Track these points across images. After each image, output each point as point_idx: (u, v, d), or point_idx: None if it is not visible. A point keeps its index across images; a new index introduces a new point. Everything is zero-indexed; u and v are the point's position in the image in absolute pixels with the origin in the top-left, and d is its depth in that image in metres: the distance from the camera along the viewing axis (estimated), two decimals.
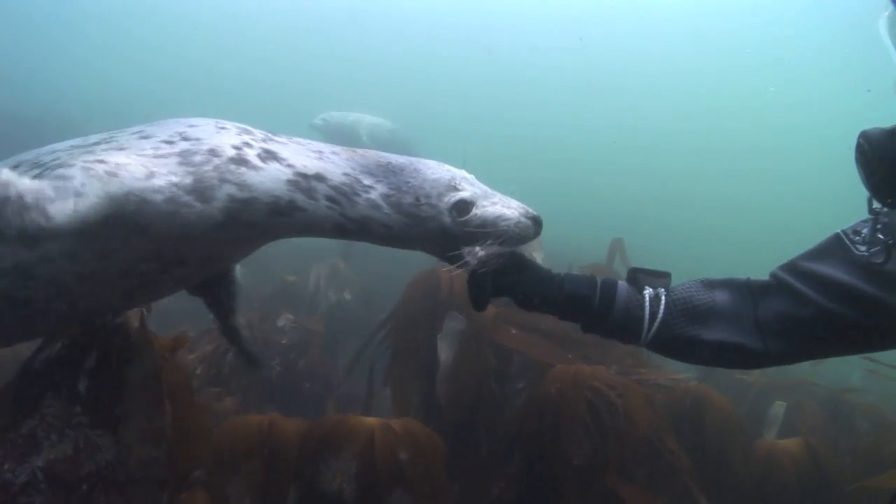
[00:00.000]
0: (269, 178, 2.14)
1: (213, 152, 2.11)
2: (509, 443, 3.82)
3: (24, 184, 1.83)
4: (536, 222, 2.26)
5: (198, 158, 2.09)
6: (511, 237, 2.19)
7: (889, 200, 1.70)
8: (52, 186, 1.86)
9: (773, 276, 2.02)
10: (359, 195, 2.23)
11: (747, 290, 2.03)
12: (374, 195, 2.23)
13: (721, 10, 29.11)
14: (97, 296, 2.22)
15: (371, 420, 3.27)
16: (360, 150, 2.39)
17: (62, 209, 1.83)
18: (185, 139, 2.14)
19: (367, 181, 2.26)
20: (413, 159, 2.38)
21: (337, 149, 2.36)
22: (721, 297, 2.03)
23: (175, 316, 5.00)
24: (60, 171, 1.93)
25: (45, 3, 30.94)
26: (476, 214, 2.23)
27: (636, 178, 29.71)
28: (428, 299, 4.24)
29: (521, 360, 4.19)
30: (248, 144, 2.18)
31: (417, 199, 2.24)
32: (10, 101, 14.86)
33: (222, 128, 2.24)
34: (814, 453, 3.85)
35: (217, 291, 2.86)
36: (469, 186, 2.30)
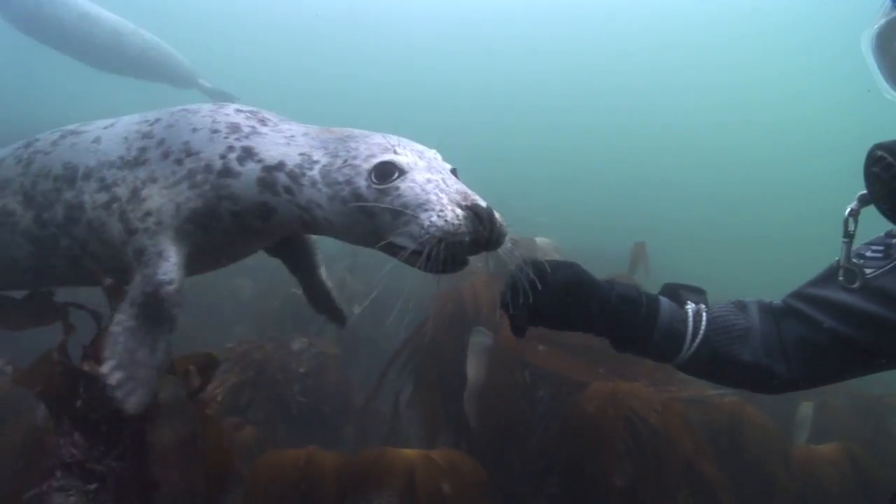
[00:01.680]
0: (245, 183, 2.19)
1: (208, 168, 2.24)
2: (545, 462, 3.74)
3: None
4: (477, 219, 1.81)
5: (199, 178, 2.24)
6: (430, 235, 1.79)
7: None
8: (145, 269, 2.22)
9: (784, 303, 2.02)
10: (304, 174, 2.11)
11: (771, 314, 2.02)
12: (315, 170, 2.10)
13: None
14: None
15: (410, 452, 3.19)
16: (334, 129, 2.23)
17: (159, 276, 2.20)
18: (189, 154, 2.28)
19: (315, 156, 2.14)
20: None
21: (311, 129, 2.28)
22: (753, 319, 2.00)
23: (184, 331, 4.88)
24: (136, 240, 2.26)
25: None
26: (396, 187, 1.91)
27: (640, 180, 29.53)
28: (453, 316, 4.15)
29: (540, 373, 4.12)
30: (231, 148, 2.23)
31: (345, 161, 2.04)
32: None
33: (215, 131, 2.28)
34: (854, 459, 3.81)
35: (294, 252, 2.90)
36: (410, 155, 1.99)
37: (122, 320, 2.15)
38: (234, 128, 2.26)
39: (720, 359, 1.96)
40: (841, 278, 1.84)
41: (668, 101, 34.92)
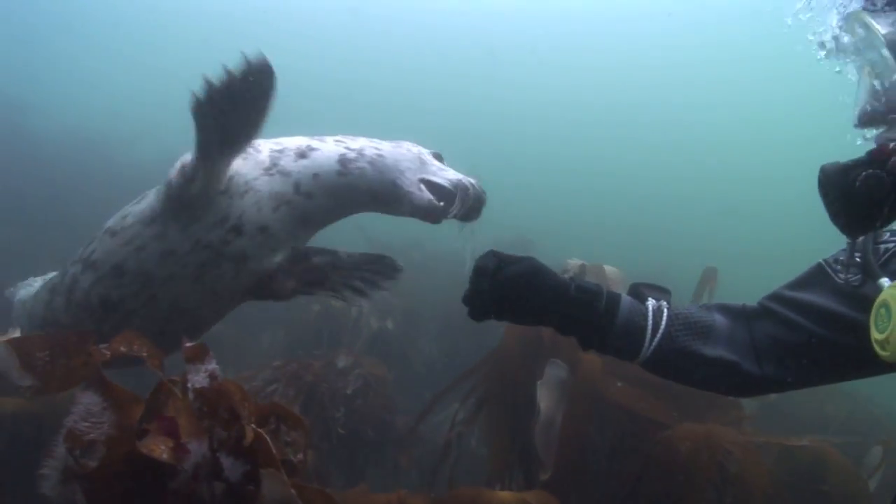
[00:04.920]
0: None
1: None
2: (626, 500, 3.60)
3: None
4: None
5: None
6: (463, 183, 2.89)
7: (847, 231, 1.76)
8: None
9: (760, 305, 2.02)
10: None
11: (742, 316, 2.02)
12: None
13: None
14: (175, 281, 2.68)
15: (505, 495, 3.04)
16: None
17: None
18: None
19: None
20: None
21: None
22: (719, 318, 2.01)
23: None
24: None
25: None
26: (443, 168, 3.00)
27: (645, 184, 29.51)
28: (528, 345, 3.99)
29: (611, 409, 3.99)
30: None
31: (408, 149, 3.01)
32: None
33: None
34: None
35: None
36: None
37: None
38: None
39: (683, 355, 1.95)
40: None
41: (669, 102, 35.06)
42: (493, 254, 2.02)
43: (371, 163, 2.83)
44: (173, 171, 2.62)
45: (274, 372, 4.47)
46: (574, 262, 4.48)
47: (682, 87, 34.78)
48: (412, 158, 2.92)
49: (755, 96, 34.19)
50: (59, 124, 13.58)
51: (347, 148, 2.86)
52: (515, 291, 1.95)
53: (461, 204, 2.81)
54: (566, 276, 2.08)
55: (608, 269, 4.46)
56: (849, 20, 1.83)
